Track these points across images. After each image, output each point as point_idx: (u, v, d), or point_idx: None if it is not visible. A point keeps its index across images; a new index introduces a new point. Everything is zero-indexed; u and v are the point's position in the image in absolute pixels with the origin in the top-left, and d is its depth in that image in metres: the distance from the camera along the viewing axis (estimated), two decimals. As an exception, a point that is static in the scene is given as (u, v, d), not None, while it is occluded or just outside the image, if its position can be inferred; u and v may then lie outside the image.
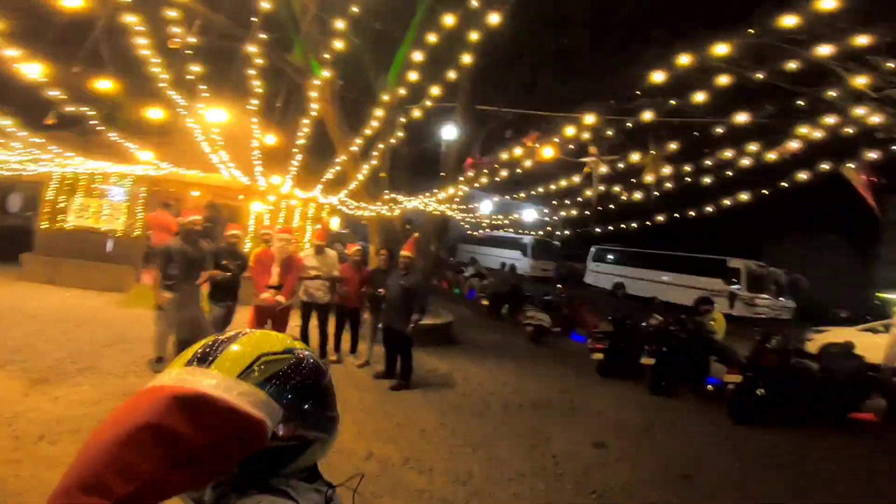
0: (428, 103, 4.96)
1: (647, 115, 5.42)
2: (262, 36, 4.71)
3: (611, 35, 9.06)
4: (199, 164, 8.33)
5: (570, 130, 5.97)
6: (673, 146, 6.82)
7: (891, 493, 4.70)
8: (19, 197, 10.35)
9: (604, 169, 7.85)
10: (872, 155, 5.76)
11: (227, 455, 0.73)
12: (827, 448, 5.56)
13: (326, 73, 5.48)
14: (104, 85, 5.05)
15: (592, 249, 22.42)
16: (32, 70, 3.99)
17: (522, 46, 9.07)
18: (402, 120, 5.48)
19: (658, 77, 4.55)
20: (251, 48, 4.62)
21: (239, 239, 5.99)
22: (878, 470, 5.19)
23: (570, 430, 5.24)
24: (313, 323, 6.44)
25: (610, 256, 21.83)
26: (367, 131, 5.60)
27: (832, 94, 5.62)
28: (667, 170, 7.05)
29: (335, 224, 13.12)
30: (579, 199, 8.46)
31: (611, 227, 8.91)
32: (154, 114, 5.40)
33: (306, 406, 0.84)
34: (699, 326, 7.71)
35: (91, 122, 5.49)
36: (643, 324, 8.03)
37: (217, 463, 0.72)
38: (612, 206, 8.22)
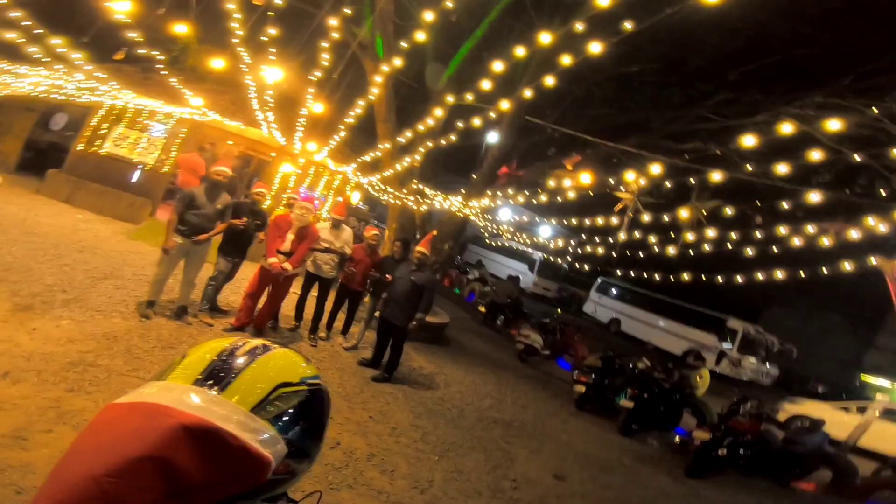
0: (491, 114, 4.95)
1: (696, 166, 5.35)
2: (344, 8, 4.69)
3: (681, 71, 8.69)
4: (242, 117, 8.49)
5: (612, 161, 5.97)
6: (714, 203, 6.77)
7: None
8: (65, 116, 10.60)
9: (635, 208, 7.83)
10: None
11: (225, 490, 0.71)
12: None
13: (396, 61, 5.43)
14: (180, 29, 5.12)
15: (598, 280, 22.35)
16: (121, 6, 4.05)
17: (584, 65, 8.94)
18: (460, 125, 5.44)
19: (721, 126, 4.45)
20: (330, 18, 4.65)
21: (263, 197, 6.14)
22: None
23: (536, 456, 5.38)
24: (312, 294, 6.53)
25: (613, 290, 21.78)
26: (419, 126, 5.62)
27: None
28: (701, 224, 7.00)
29: (356, 199, 13.26)
30: (603, 231, 8.44)
31: (632, 272, 8.90)
32: (216, 63, 5.47)
33: (308, 442, 0.82)
34: (684, 379, 7.82)
35: (156, 65, 5.54)
36: (630, 365, 8.12)
37: (211, 496, 0.70)
38: (633, 250, 8.20)
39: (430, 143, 6.51)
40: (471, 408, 6.20)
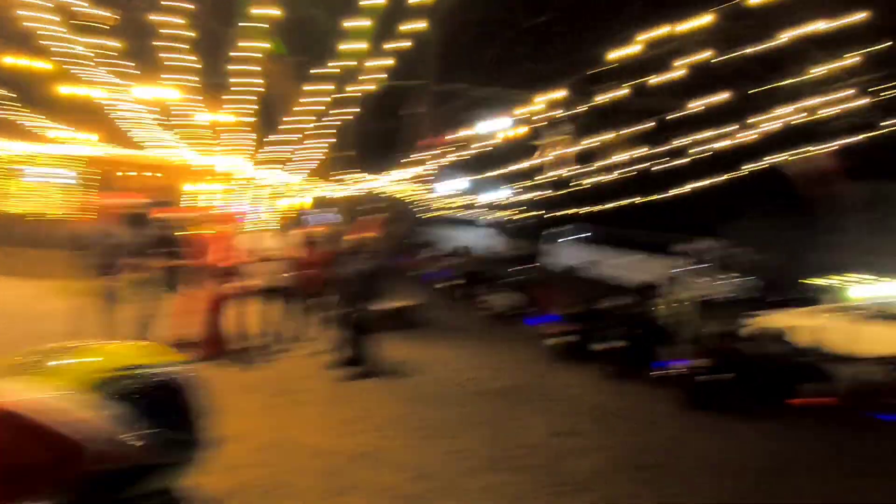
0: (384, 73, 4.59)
1: (607, 96, 5.27)
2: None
3: (581, 13, 8.82)
4: (133, 145, 7.72)
5: (534, 107, 5.81)
6: (635, 128, 6.75)
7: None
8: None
9: (556, 151, 7.70)
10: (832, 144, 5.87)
11: (33, 479, 0.66)
12: (811, 436, 5.39)
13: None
14: (22, 62, 4.43)
15: (545, 232, 22.64)
16: None
17: (490, 24, 8.82)
18: (357, 94, 5.18)
19: (623, 53, 4.37)
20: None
21: (169, 220, 5.63)
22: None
23: (542, 418, 5.10)
24: (271, 308, 6.19)
25: (562, 239, 22.07)
26: (322, 106, 5.23)
27: (795, 79, 5.66)
28: (625, 155, 6.99)
29: (308, 202, 12.63)
30: (534, 180, 8.35)
31: (574, 211, 8.86)
32: (71, 90, 4.82)
33: (150, 428, 0.74)
34: (648, 310, 7.81)
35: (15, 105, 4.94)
36: (605, 305, 8.06)
37: (21, 485, 0.65)
38: (568, 188, 8.15)
39: (337, 122, 6.10)
40: (455, 384, 5.91)
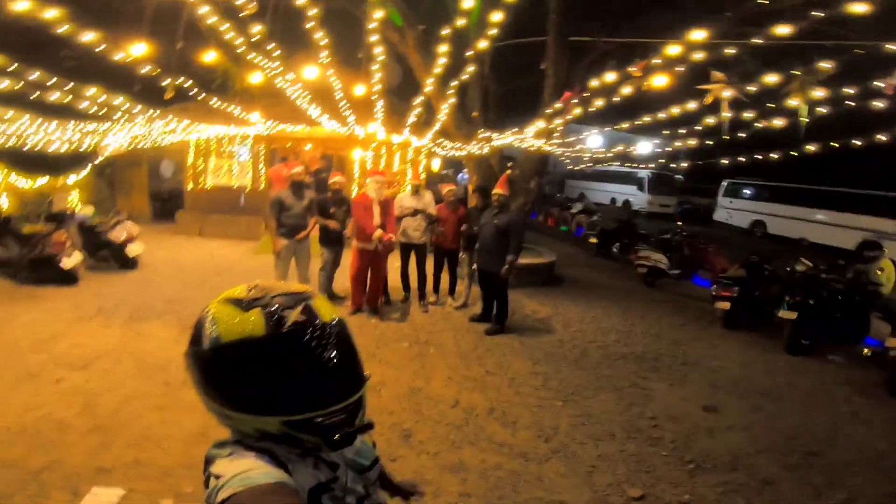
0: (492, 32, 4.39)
1: (784, 31, 4.26)
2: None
3: None
4: (303, 120, 8.82)
5: (686, 55, 5.00)
6: (826, 66, 5.37)
7: None
8: (169, 164, 12.05)
9: (727, 93, 6.51)
10: None
11: None
12: None
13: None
14: (209, 57, 5.37)
15: (724, 183, 19.55)
16: (138, 49, 4.35)
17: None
18: (472, 53, 5.07)
19: None
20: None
21: (342, 185, 6.29)
22: None
23: (678, 389, 4.79)
24: (412, 263, 6.63)
25: (747, 191, 18.85)
26: (440, 69, 5.28)
27: None
28: (819, 93, 5.61)
29: (436, 165, 13.15)
30: (700, 128, 7.26)
31: (742, 159, 7.55)
32: (256, 78, 5.68)
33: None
34: (861, 275, 6.39)
35: (203, 93, 6.02)
36: (787, 269, 6.88)
37: None
38: (743, 136, 6.93)
39: (454, 82, 6.00)
40: (594, 346, 5.76)
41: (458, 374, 4.74)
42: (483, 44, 5.44)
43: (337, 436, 0.82)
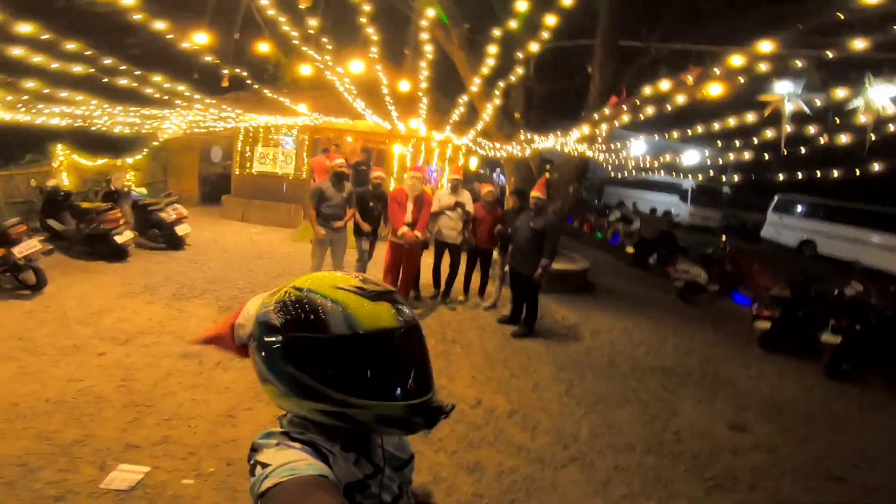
0: (545, 35, 4.36)
1: (859, 45, 4.06)
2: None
3: None
4: (347, 113, 9.02)
5: (742, 63, 4.82)
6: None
7: None
8: (219, 149, 12.55)
9: (790, 107, 6.20)
10: None
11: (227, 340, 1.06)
12: None
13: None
14: (263, 48, 5.58)
15: (777, 198, 18.61)
16: (200, 38, 4.57)
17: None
18: (520, 55, 5.04)
19: None
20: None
21: (383, 180, 6.40)
22: None
23: (705, 406, 4.67)
24: (445, 261, 6.69)
25: (799, 208, 17.89)
26: (486, 69, 5.29)
27: None
28: (891, 110, 5.27)
29: (473, 164, 13.16)
30: (755, 140, 6.97)
31: (799, 175, 7.20)
32: (305, 70, 5.86)
33: (259, 338, 0.88)
34: None
35: (256, 83, 6.26)
36: (836, 292, 6.58)
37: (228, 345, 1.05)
38: (802, 151, 6.62)
39: (501, 84, 5.96)
40: (622, 356, 5.67)
41: (481, 375, 4.77)
42: (534, 47, 5.42)
43: (440, 416, 0.88)
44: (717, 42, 6.17)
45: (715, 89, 6.22)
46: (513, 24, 4.41)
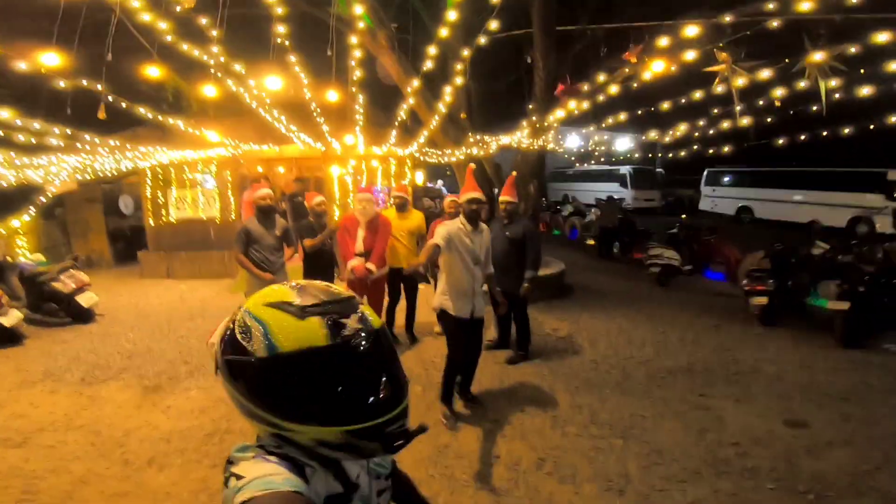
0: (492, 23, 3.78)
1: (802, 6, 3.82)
2: None
3: None
4: (272, 138, 7.99)
5: (687, 34, 4.50)
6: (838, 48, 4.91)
7: None
8: (130, 199, 10.94)
9: (741, 80, 5.92)
10: None
11: None
12: None
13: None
14: (153, 72, 4.53)
15: (705, 172, 19.51)
16: (49, 59, 3.56)
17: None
18: (465, 53, 4.45)
19: None
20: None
21: (325, 206, 5.41)
22: None
23: (748, 405, 4.08)
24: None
25: (726, 178, 18.85)
26: (426, 67, 4.64)
27: None
28: (834, 81, 5.10)
29: (420, 179, 12.41)
30: (701, 117, 6.74)
31: (742, 145, 7.15)
32: (209, 92, 4.86)
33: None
34: (893, 255, 5.92)
35: (153, 112, 5.22)
36: (808, 255, 6.39)
37: None
38: (744, 123, 6.48)
39: (449, 87, 5.31)
40: (633, 363, 5.03)
41: (487, 419, 3.92)
42: (465, 51, 4.82)
43: (398, 441, 0.83)
44: (650, 19, 5.91)
45: (658, 65, 5.89)
46: (441, 28, 3.81)
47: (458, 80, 5.30)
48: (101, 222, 10.31)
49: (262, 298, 0.84)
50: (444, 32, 3.79)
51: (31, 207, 8.86)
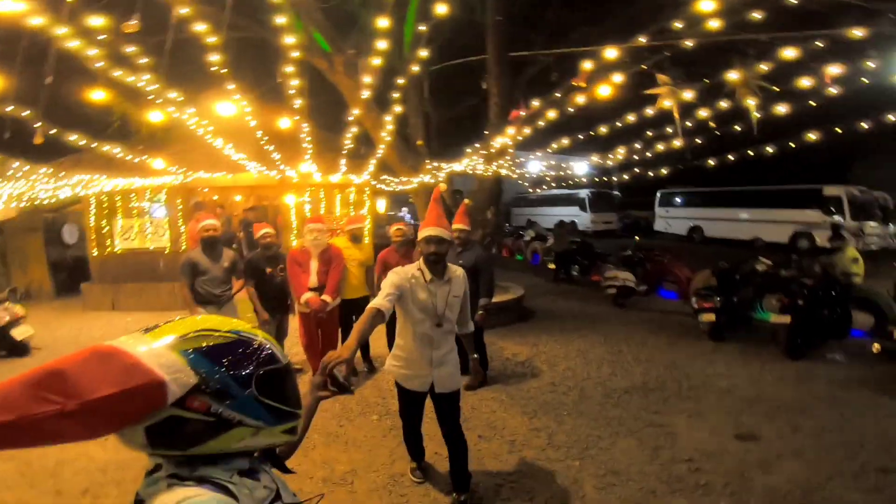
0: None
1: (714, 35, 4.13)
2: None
3: None
4: (224, 167, 7.81)
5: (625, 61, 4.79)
6: (764, 67, 5.32)
7: None
8: (74, 227, 10.37)
9: (675, 97, 6.26)
10: None
11: (122, 410, 0.77)
12: None
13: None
14: (98, 96, 4.38)
15: (658, 194, 20.39)
16: None
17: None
18: (401, 81, 4.53)
19: None
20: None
21: (273, 238, 5.24)
22: None
23: (700, 420, 4.15)
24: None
25: (678, 199, 19.77)
26: (372, 94, 4.69)
27: None
28: (752, 101, 5.49)
29: (382, 207, 12.36)
30: (640, 140, 7.10)
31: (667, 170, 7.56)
32: (156, 117, 4.72)
33: (230, 384, 0.85)
34: (829, 268, 6.28)
35: (94, 140, 5.02)
36: (751, 271, 6.70)
37: (111, 416, 0.77)
38: (695, 142, 6.86)
39: (399, 108, 5.41)
40: (590, 383, 5.05)
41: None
42: (416, 68, 4.90)
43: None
44: (596, 44, 6.27)
45: (604, 90, 6.18)
46: (383, 46, 3.88)
47: (405, 102, 5.36)
48: (41, 252, 9.71)
49: (239, 325, 0.96)
50: (376, 62, 3.80)
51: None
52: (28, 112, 3.91)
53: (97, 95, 4.48)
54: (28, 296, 9.24)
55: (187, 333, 0.86)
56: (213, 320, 0.92)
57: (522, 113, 7.25)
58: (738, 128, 6.72)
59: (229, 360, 0.86)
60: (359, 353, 5.42)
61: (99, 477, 3.44)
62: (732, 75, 5.21)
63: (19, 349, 6.17)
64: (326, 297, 4.77)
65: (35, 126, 3.97)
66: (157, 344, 0.83)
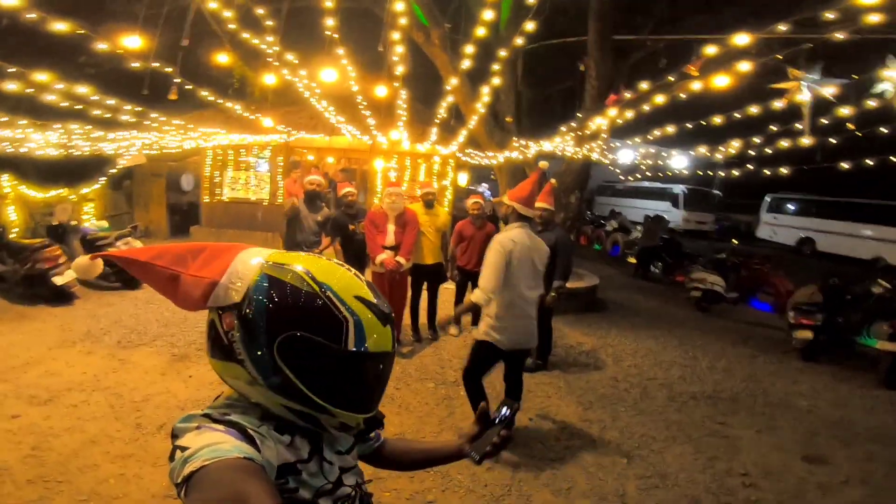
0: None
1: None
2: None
3: None
4: (323, 129, 8.31)
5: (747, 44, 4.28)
6: None
7: None
8: (191, 176, 11.66)
9: (808, 94, 5.54)
10: None
11: (190, 292, 0.88)
12: None
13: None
14: (223, 59, 4.86)
15: (767, 198, 18.31)
16: (132, 42, 3.87)
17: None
18: (503, 54, 4.44)
19: None
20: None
21: (355, 196, 5.56)
22: None
23: (768, 436, 3.88)
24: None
25: (790, 206, 17.62)
26: (468, 70, 4.68)
27: None
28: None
29: (463, 180, 12.45)
30: (757, 136, 6.41)
31: (784, 170, 6.74)
32: (269, 80, 5.14)
33: (259, 323, 0.81)
34: None
35: (219, 98, 5.56)
36: (865, 292, 5.96)
37: (187, 294, 0.89)
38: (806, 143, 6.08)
39: (491, 83, 5.30)
40: (655, 384, 4.88)
41: (467, 466, 3.90)
42: (519, 40, 4.81)
43: (379, 425, 0.94)
44: (711, 33, 5.70)
45: (721, 80, 5.61)
46: (490, 16, 3.81)
47: (497, 80, 5.30)
48: (162, 196, 11.03)
49: (350, 288, 0.84)
50: (481, 31, 3.79)
51: (102, 177, 9.63)
52: (170, 69, 4.42)
53: (222, 58, 4.95)
54: (147, 233, 10.58)
55: (284, 263, 0.85)
56: (334, 272, 0.86)
57: (626, 96, 6.89)
58: (884, 130, 5.85)
59: (282, 303, 0.80)
60: (423, 319, 5.69)
61: (177, 413, 3.53)
62: (889, 73, 4.52)
63: (132, 282, 6.61)
64: (401, 259, 5.00)
65: (174, 82, 4.48)
66: (258, 259, 0.87)
